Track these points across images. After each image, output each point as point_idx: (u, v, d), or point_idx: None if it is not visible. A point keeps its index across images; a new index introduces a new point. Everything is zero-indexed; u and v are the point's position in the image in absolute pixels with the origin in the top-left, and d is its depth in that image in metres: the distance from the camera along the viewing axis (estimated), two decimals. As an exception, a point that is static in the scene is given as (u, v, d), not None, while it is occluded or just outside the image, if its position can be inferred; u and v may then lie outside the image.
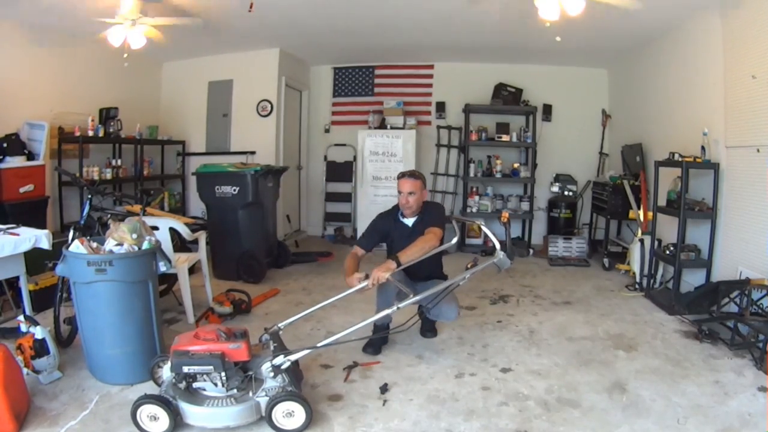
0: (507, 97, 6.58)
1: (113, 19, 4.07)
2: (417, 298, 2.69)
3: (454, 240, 3.18)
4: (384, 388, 2.65)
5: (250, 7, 4.17)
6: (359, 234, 6.55)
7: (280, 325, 2.69)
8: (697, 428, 2.33)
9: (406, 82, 7.02)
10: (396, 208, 3.34)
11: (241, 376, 2.32)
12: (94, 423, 2.29)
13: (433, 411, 2.47)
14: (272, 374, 2.32)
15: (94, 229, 3.37)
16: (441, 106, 6.97)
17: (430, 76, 7.02)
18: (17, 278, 3.15)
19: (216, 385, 2.27)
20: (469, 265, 2.86)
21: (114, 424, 2.27)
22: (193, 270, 4.14)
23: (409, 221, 3.27)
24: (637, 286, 4.62)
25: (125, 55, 4.49)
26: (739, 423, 2.37)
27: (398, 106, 6.56)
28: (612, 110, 6.61)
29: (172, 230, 3.62)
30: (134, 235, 2.64)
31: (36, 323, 2.62)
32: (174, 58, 6.48)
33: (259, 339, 2.59)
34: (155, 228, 3.25)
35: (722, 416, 2.42)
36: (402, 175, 3.26)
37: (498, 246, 2.89)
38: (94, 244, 2.63)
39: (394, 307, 2.63)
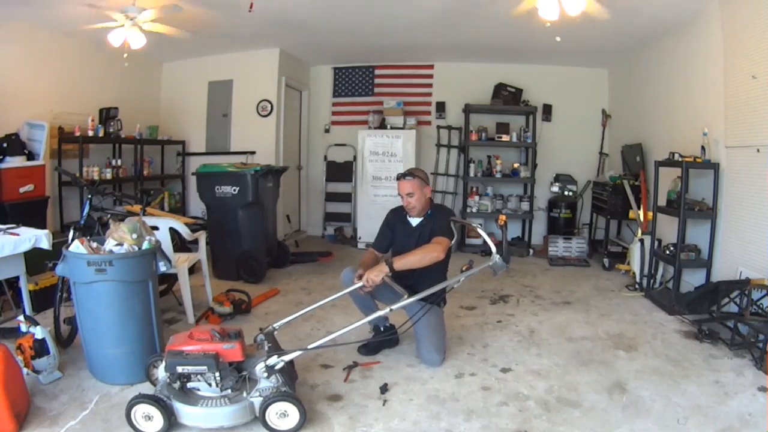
0: (507, 97, 6.58)
1: (113, 19, 4.07)
2: (408, 300, 2.67)
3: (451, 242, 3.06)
4: (384, 388, 2.65)
5: (250, 7, 4.18)
6: (359, 234, 6.62)
7: (275, 325, 2.68)
8: (697, 428, 2.33)
9: (406, 82, 7.02)
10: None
11: (236, 376, 2.31)
12: (94, 423, 2.29)
13: (433, 411, 2.47)
14: (266, 375, 2.32)
15: (94, 229, 3.36)
16: (441, 106, 6.97)
17: (430, 76, 7.02)
18: (17, 278, 3.15)
19: (210, 385, 2.26)
20: (464, 268, 2.78)
21: (114, 424, 2.27)
22: (193, 270, 4.14)
23: (414, 221, 3.17)
24: (637, 286, 4.61)
25: (125, 55, 4.50)
26: (739, 423, 2.37)
27: (398, 106, 6.55)
28: (612, 110, 6.61)
29: (172, 230, 3.62)
30: (134, 235, 2.64)
31: (36, 323, 2.62)
32: (174, 58, 6.48)
33: (254, 339, 2.58)
34: (155, 228, 3.25)
35: (722, 416, 2.42)
36: (399, 177, 3.12)
37: (494, 249, 2.78)
38: (94, 244, 2.63)
39: (387, 309, 2.66)
